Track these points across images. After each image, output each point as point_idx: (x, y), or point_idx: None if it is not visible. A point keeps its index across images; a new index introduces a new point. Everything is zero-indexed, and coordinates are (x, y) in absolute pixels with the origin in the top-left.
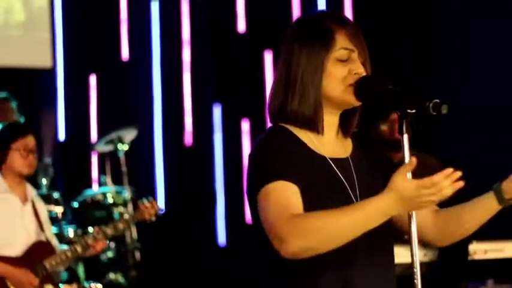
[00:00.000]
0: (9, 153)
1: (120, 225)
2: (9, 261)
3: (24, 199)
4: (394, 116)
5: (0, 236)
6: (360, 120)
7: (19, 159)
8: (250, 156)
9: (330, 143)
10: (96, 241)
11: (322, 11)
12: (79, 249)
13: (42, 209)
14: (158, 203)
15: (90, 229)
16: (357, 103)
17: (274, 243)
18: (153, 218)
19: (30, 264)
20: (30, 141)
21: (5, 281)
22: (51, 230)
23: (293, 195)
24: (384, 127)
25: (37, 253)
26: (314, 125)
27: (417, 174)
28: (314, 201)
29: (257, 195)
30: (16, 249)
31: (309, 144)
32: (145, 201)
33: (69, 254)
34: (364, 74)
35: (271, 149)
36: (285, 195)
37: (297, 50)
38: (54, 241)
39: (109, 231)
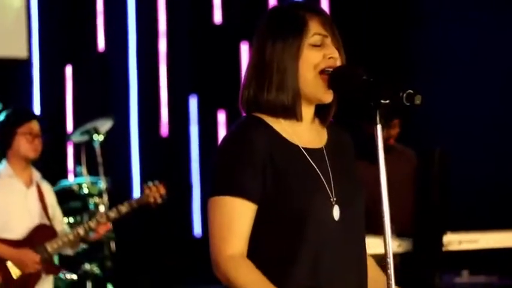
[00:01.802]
0: (15, 138)
1: (123, 209)
2: (10, 243)
3: (30, 183)
4: (395, 122)
5: (3, 220)
6: (337, 110)
7: (25, 143)
8: (218, 150)
9: (304, 133)
10: (99, 224)
11: (295, 1)
12: (81, 232)
13: (49, 192)
14: (164, 185)
15: (65, 219)
16: (328, 100)
17: (211, 257)
18: (159, 201)
19: (32, 246)
20: (35, 125)
21: (5, 264)
22: (59, 214)
23: (241, 216)
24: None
25: (39, 236)
26: (293, 112)
27: (394, 163)
28: (289, 192)
29: (209, 199)
30: (18, 232)
31: (284, 135)
32: (150, 184)
33: (71, 236)
34: (338, 58)
35: (239, 149)
36: (232, 216)
37: (271, 40)
38: (61, 225)
39: (112, 214)
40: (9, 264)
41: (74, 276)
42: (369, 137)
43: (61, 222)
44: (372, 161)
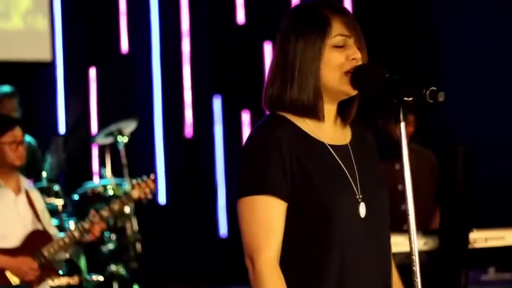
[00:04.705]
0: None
1: (116, 206)
2: (7, 252)
3: (18, 190)
4: (410, 119)
5: None
6: (359, 108)
7: (9, 152)
8: (244, 150)
9: (329, 130)
10: (93, 224)
11: (318, 0)
12: (76, 234)
13: (38, 198)
14: (153, 181)
15: None
16: (353, 93)
17: (246, 258)
18: (149, 196)
19: (29, 253)
20: (18, 133)
21: (5, 273)
22: (49, 219)
23: (276, 215)
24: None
25: (34, 242)
26: (314, 112)
27: (413, 165)
28: (315, 190)
29: (239, 200)
30: (13, 240)
31: (309, 132)
32: (139, 179)
33: (66, 240)
34: (361, 59)
35: (266, 147)
36: (267, 214)
37: (294, 39)
38: (53, 229)
39: (105, 213)
40: (8, 273)
41: (101, 278)
42: (384, 135)
43: (52, 227)
44: (385, 159)
